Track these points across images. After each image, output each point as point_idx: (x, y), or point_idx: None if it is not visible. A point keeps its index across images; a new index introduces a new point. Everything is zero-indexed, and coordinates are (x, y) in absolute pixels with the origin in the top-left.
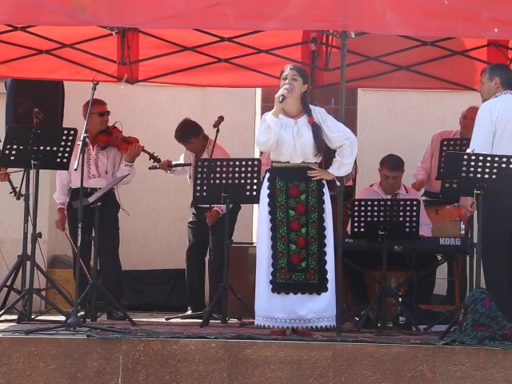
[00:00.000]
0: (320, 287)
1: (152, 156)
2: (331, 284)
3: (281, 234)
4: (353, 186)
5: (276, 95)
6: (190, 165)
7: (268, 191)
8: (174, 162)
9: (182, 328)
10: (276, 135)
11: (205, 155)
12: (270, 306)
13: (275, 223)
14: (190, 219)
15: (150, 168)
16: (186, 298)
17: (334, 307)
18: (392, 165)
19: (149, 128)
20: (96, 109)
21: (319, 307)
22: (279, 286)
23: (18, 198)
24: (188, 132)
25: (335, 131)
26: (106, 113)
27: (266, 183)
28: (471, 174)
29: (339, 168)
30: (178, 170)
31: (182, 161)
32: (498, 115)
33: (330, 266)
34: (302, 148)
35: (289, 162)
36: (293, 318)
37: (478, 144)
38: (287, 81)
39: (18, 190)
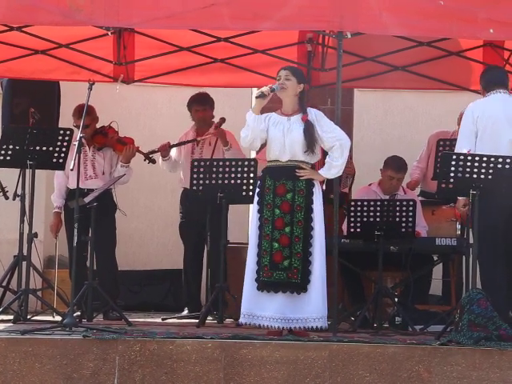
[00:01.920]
0: (301, 287)
1: (147, 157)
2: (320, 284)
3: (265, 232)
4: (348, 193)
5: (256, 91)
6: (194, 140)
7: (258, 190)
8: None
9: (178, 328)
10: (254, 132)
11: (211, 130)
12: (255, 304)
13: (262, 222)
14: (180, 220)
15: (147, 154)
16: (184, 300)
17: (324, 308)
18: (397, 166)
19: (145, 128)
20: (74, 121)
21: (308, 308)
22: (262, 284)
23: (7, 198)
24: (208, 99)
25: (328, 132)
26: (77, 126)
27: (258, 182)
28: (467, 175)
29: (329, 169)
30: (172, 159)
31: (174, 153)
32: (479, 115)
33: (318, 266)
34: (291, 144)
35: (277, 161)
36: (279, 318)
37: (461, 143)
38: (280, 81)
39: (6, 189)
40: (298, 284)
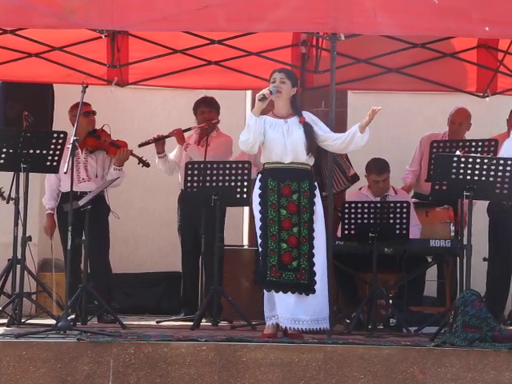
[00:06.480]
0: (308, 288)
1: (141, 160)
2: (323, 285)
3: (272, 232)
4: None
5: (257, 94)
6: (202, 126)
7: (259, 191)
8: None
9: (172, 331)
10: (255, 134)
11: (214, 134)
12: (271, 304)
13: (266, 222)
14: (178, 222)
15: (140, 145)
16: (181, 302)
17: (327, 309)
18: (378, 169)
19: (139, 131)
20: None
21: (314, 309)
22: (270, 284)
23: (4, 199)
24: (214, 102)
25: (327, 131)
26: (90, 112)
27: (257, 184)
28: (461, 176)
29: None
30: (168, 159)
31: (174, 154)
32: None
33: (320, 267)
34: (293, 146)
35: (279, 163)
36: (288, 318)
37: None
38: (275, 84)
39: (2, 190)
40: (305, 285)
